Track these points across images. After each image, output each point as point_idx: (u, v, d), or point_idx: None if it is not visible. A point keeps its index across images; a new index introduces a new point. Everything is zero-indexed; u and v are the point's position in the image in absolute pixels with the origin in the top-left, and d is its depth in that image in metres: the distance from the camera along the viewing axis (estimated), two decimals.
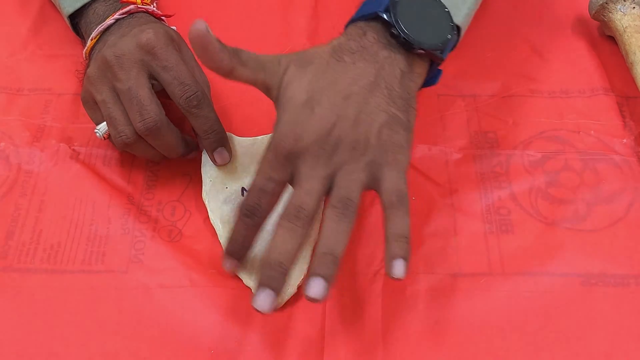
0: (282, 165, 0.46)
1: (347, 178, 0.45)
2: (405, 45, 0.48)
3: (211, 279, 0.50)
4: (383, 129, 0.46)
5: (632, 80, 0.59)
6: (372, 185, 0.46)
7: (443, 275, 0.50)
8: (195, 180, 0.56)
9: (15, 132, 0.59)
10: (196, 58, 0.56)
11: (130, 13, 0.57)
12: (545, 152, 0.57)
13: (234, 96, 0.61)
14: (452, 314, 0.48)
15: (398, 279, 0.43)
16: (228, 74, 0.48)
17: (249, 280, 0.50)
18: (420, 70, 0.50)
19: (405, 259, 0.43)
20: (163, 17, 0.60)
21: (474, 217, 0.53)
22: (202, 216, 0.54)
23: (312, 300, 0.42)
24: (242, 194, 0.54)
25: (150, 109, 0.51)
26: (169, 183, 0.56)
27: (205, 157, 0.55)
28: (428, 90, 0.53)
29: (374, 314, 0.49)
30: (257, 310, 0.43)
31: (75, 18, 0.61)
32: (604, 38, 0.65)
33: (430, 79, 0.52)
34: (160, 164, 0.57)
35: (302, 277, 0.49)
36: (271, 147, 0.46)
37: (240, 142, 0.56)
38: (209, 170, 0.55)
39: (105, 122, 0.54)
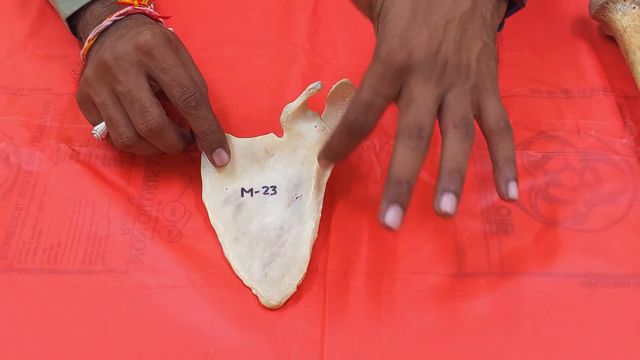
0: (392, 80, 0.44)
1: (460, 99, 0.45)
2: None
3: (211, 279, 0.50)
4: (481, 56, 0.46)
5: (632, 80, 0.59)
6: (475, 111, 0.46)
7: (443, 275, 0.50)
8: (195, 180, 0.56)
9: (15, 132, 0.59)
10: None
11: (127, 14, 0.57)
12: (545, 152, 0.57)
13: (232, 97, 0.61)
14: (452, 314, 0.48)
15: (514, 201, 0.45)
16: None
17: (250, 281, 0.50)
18: (502, 11, 0.51)
19: (516, 180, 0.45)
20: (160, 19, 0.60)
21: (474, 217, 0.53)
22: (202, 216, 0.54)
23: (444, 215, 0.43)
24: (242, 195, 0.54)
25: (152, 111, 0.51)
26: (169, 183, 0.56)
27: (204, 159, 0.55)
28: None
29: (374, 314, 0.49)
30: (387, 227, 0.42)
31: (73, 20, 0.61)
32: (604, 38, 0.65)
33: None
34: (160, 164, 0.57)
35: (302, 277, 0.49)
36: (380, 60, 0.45)
37: (239, 143, 0.56)
38: (208, 172, 0.55)
39: (103, 123, 0.54)
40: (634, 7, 0.61)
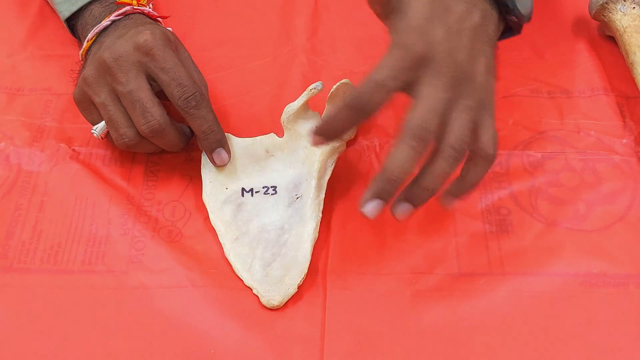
0: (410, 68, 0.45)
1: (464, 117, 0.45)
2: (504, 7, 0.50)
3: (211, 279, 0.50)
4: (485, 73, 0.47)
5: (632, 80, 0.59)
6: (472, 125, 0.46)
7: (443, 275, 0.50)
8: (195, 180, 0.56)
9: (15, 132, 0.59)
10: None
11: (126, 14, 0.57)
12: (545, 152, 0.57)
13: (232, 97, 0.61)
14: (452, 314, 0.48)
15: (445, 205, 0.46)
16: None
17: (251, 281, 0.50)
18: (499, 33, 0.51)
19: (459, 199, 0.46)
20: (159, 18, 0.60)
21: (474, 217, 0.53)
22: (202, 216, 0.54)
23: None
24: (242, 195, 0.54)
25: (154, 111, 0.52)
26: (169, 183, 0.56)
27: (204, 159, 0.55)
28: None
29: (374, 314, 0.49)
30: (364, 214, 0.44)
31: (72, 20, 0.61)
32: (604, 38, 0.65)
33: None
34: (160, 164, 0.57)
35: (303, 277, 0.49)
36: (400, 46, 0.45)
37: (239, 143, 0.56)
38: (208, 172, 0.55)
39: (102, 122, 0.54)
40: (634, 7, 0.61)
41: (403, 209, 0.45)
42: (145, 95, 0.52)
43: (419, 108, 0.44)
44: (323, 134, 0.47)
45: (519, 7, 0.51)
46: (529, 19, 0.53)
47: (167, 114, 0.53)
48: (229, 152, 0.54)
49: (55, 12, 0.64)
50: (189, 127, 0.55)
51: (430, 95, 0.44)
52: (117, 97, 0.53)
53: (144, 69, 0.52)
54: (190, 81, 0.52)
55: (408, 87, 0.45)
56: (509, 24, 0.52)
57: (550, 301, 0.49)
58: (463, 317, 0.48)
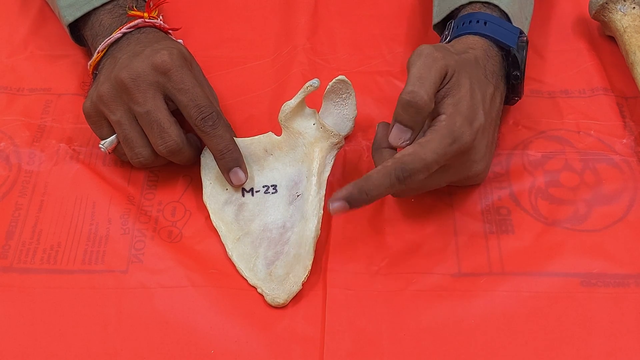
0: (452, 158, 0.48)
1: (440, 179, 0.51)
2: (516, 82, 0.55)
3: (211, 279, 0.50)
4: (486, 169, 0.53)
5: (632, 80, 0.59)
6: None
7: (443, 275, 0.50)
8: (195, 181, 0.56)
9: (15, 132, 0.59)
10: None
11: (137, 27, 0.57)
12: (545, 152, 0.57)
13: (232, 97, 0.61)
14: (452, 314, 0.48)
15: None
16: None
17: (255, 280, 0.50)
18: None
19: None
20: (170, 31, 0.60)
21: (474, 217, 0.53)
22: (202, 217, 0.54)
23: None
24: (243, 195, 0.54)
25: (171, 132, 0.52)
26: (169, 183, 0.56)
27: (204, 160, 0.55)
28: None
29: (374, 313, 0.49)
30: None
31: (75, 25, 0.60)
32: (604, 38, 0.65)
33: None
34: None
35: (307, 274, 0.49)
36: (453, 136, 0.47)
37: (238, 143, 0.56)
38: (208, 173, 0.55)
39: (111, 138, 0.54)
40: (634, 7, 0.61)
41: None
42: (162, 115, 0.52)
43: (423, 158, 0.47)
44: (352, 202, 0.47)
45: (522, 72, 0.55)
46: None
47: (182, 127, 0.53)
48: (245, 171, 0.54)
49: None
50: (196, 137, 0.55)
51: (437, 152, 0.47)
52: (133, 117, 0.53)
53: (162, 89, 0.53)
54: (207, 101, 0.52)
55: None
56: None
57: (550, 301, 0.49)
58: (463, 317, 0.48)
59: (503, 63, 0.54)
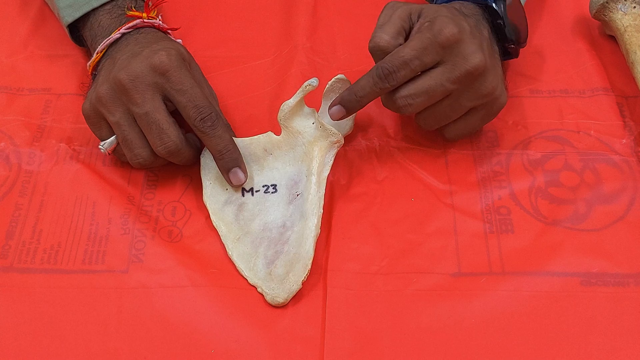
0: (436, 52, 0.49)
1: (432, 81, 0.51)
2: (502, 36, 0.55)
3: (211, 279, 0.51)
4: (502, 91, 0.53)
5: (632, 80, 0.59)
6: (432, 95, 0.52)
7: (443, 275, 0.50)
8: (195, 181, 0.56)
9: (15, 132, 0.59)
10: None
11: (136, 27, 0.57)
12: (545, 151, 0.57)
13: (232, 97, 0.61)
14: (452, 314, 0.48)
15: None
16: None
17: (255, 279, 0.50)
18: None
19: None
20: (169, 31, 0.60)
21: (474, 217, 0.53)
22: (202, 216, 0.54)
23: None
24: (243, 195, 0.54)
25: (170, 133, 0.52)
26: (169, 183, 0.56)
27: (204, 160, 0.55)
28: None
29: (374, 313, 0.49)
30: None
31: (74, 26, 0.60)
32: (605, 38, 0.65)
33: None
34: None
35: (307, 273, 0.49)
36: (432, 32, 0.49)
37: (237, 143, 0.56)
38: (207, 173, 0.55)
39: (110, 139, 0.54)
40: (634, 7, 0.61)
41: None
42: (161, 116, 0.52)
43: (421, 76, 0.50)
44: (345, 105, 0.52)
45: (513, 37, 0.56)
46: (524, 44, 0.59)
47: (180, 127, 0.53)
48: (245, 171, 0.54)
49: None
50: (195, 137, 0.55)
51: (437, 78, 0.50)
52: (132, 118, 0.53)
53: (160, 90, 0.52)
54: (206, 102, 0.52)
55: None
56: (507, 49, 0.57)
57: (550, 301, 0.49)
58: (463, 316, 0.48)
59: (492, 27, 0.56)
